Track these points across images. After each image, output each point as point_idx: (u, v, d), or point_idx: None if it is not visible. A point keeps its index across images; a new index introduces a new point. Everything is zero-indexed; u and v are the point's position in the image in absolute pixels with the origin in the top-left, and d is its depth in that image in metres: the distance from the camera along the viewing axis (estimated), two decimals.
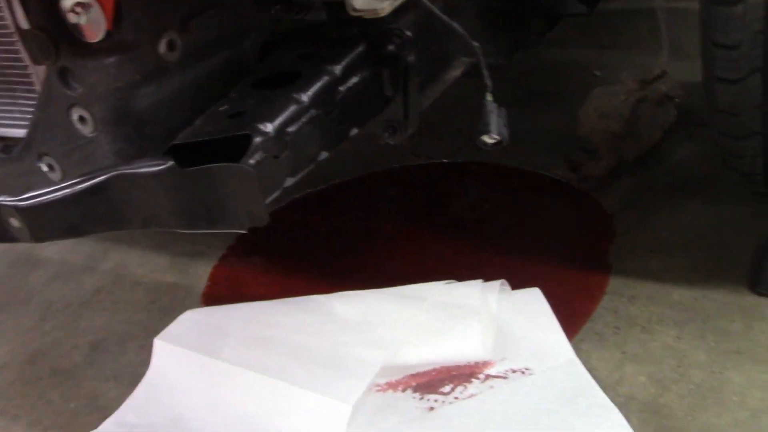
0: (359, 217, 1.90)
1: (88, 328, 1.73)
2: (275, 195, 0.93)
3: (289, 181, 0.96)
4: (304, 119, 0.95)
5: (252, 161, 0.87)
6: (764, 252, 1.40)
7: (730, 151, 1.31)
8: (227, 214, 0.89)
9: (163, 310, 1.73)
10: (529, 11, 1.50)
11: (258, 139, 0.89)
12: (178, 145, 0.91)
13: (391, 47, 1.05)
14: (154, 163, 0.88)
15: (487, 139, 1.03)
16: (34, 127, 0.99)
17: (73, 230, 0.94)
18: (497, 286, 1.47)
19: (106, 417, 1.44)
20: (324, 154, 1.02)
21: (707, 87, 1.25)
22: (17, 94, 1.05)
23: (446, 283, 1.49)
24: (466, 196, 1.89)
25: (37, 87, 1.01)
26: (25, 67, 1.01)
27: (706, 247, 1.54)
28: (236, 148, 0.89)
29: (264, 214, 0.88)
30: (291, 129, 0.93)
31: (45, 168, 1.02)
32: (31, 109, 1.04)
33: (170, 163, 0.86)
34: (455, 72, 1.19)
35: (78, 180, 0.90)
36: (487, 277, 1.52)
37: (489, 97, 1.03)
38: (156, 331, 1.58)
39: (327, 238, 1.84)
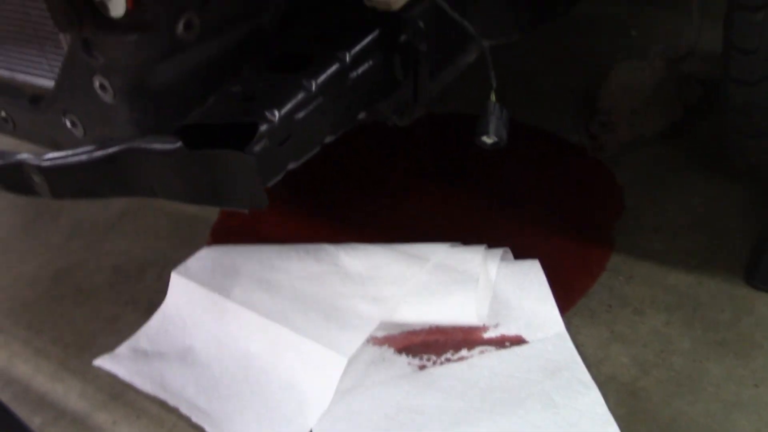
0: (376, 163, 1.93)
1: (111, 250, 1.82)
2: (278, 178, 0.98)
3: (293, 165, 1.01)
4: (311, 107, 0.98)
5: (256, 148, 0.91)
6: (763, 246, 1.42)
7: (741, 148, 1.32)
8: (230, 195, 0.94)
9: (183, 240, 1.81)
10: None
11: (264, 127, 0.93)
12: (189, 124, 0.96)
13: (403, 37, 1.07)
14: (165, 140, 0.93)
15: (486, 140, 1.06)
16: (59, 86, 1.05)
17: (88, 192, 1.00)
18: (500, 253, 1.52)
19: (122, 340, 1.55)
20: (330, 138, 1.06)
21: (724, 84, 1.26)
22: (46, 48, 1.10)
23: (451, 245, 1.54)
24: (482, 151, 1.90)
25: (64, 44, 1.06)
26: (54, 25, 1.05)
27: (709, 230, 1.56)
28: (244, 130, 0.94)
29: (264, 198, 0.93)
30: (297, 116, 0.97)
31: (68, 124, 1.08)
32: (58, 64, 1.09)
33: (179, 144, 0.91)
34: (469, 57, 1.20)
35: (94, 148, 0.96)
36: (492, 239, 1.57)
37: (492, 97, 1.06)
38: (174, 261, 1.67)
39: (342, 183, 1.89)
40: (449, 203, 1.76)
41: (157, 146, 0.93)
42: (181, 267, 1.61)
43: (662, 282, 1.48)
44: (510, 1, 1.36)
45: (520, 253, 1.55)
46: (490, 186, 1.79)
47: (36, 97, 1.12)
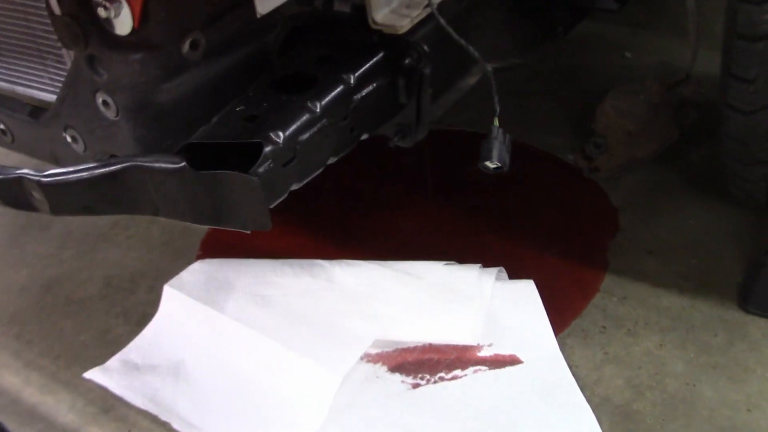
0: (370, 179, 1.93)
1: (103, 260, 1.81)
2: (281, 199, 0.98)
3: (296, 186, 1.01)
4: (315, 128, 0.99)
5: (260, 170, 0.91)
6: (756, 270, 1.43)
7: (737, 175, 1.33)
8: (233, 216, 0.94)
9: (175, 253, 1.80)
10: (557, 4, 1.50)
11: (268, 148, 0.93)
12: (194, 143, 0.96)
13: (408, 60, 1.08)
14: (169, 160, 0.92)
15: (489, 164, 1.06)
16: (61, 102, 1.04)
17: (88, 209, 1.00)
18: (494, 272, 1.52)
19: (113, 352, 1.53)
20: (333, 159, 1.06)
21: (721, 112, 1.27)
22: (47, 62, 1.09)
23: (446, 264, 1.54)
24: (479, 171, 1.91)
25: (67, 60, 1.05)
26: (57, 40, 1.05)
27: (702, 253, 1.57)
28: (248, 151, 0.94)
29: (267, 220, 0.93)
30: (302, 138, 0.97)
31: (69, 139, 1.07)
32: (60, 78, 1.09)
33: (183, 163, 0.91)
34: (471, 80, 1.21)
35: (97, 164, 0.95)
36: (487, 258, 1.57)
37: (496, 122, 1.06)
38: (166, 273, 1.66)
39: (334, 198, 1.88)
40: (444, 221, 1.76)
41: (161, 165, 0.92)
42: (175, 280, 1.60)
43: (656, 304, 1.49)
44: (510, 25, 1.37)
45: (514, 273, 1.55)
46: (485, 204, 1.79)
47: (36, 111, 1.11)
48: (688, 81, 1.70)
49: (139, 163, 0.93)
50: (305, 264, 1.60)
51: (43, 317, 1.67)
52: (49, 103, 1.11)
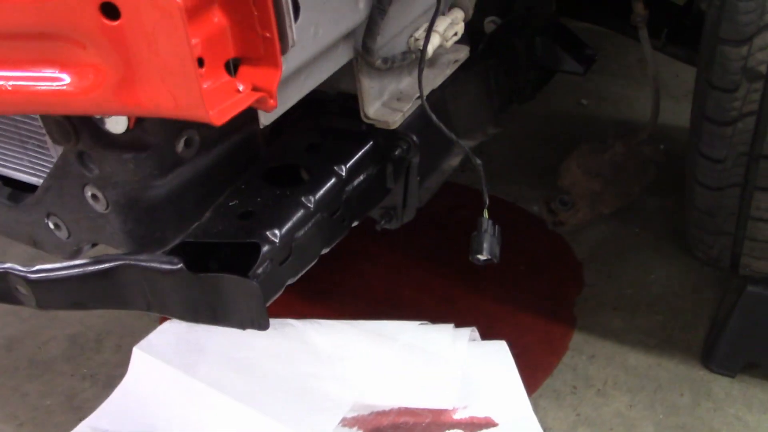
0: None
1: (65, 319, 1.76)
2: (277, 296, 0.98)
3: (291, 281, 1.01)
4: (310, 224, 0.99)
5: (259, 271, 0.91)
6: (719, 330, 1.49)
7: (703, 242, 1.38)
8: (229, 315, 0.94)
9: None
10: (525, 67, 1.54)
11: (266, 249, 0.93)
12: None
13: (398, 151, 1.09)
14: (165, 260, 0.91)
15: (480, 257, 1.09)
16: (45, 191, 1.02)
17: (77, 305, 0.98)
18: (467, 333, 1.54)
19: (80, 418, 1.50)
20: (326, 250, 1.06)
21: (689, 186, 1.32)
22: (28, 146, 1.07)
23: (419, 324, 1.55)
24: (445, 221, 1.93)
25: (50, 147, 1.03)
26: (39, 126, 1.03)
27: (666, 310, 1.63)
28: (244, 248, 0.93)
29: (266, 320, 0.93)
30: (297, 235, 0.98)
31: (51, 226, 1.05)
32: (41, 162, 1.07)
33: (180, 265, 0.90)
34: (454, 161, 1.23)
35: (88, 262, 0.94)
36: (458, 315, 1.60)
37: (485, 215, 1.09)
38: (132, 331, 1.64)
39: None
40: (413, 275, 1.78)
41: (157, 266, 0.91)
42: (144, 342, 1.57)
43: (623, 362, 1.53)
44: (483, 95, 1.40)
45: (484, 329, 1.57)
46: (456, 258, 1.81)
47: (15, 195, 1.09)
48: (649, 141, 1.76)
49: (133, 263, 0.92)
50: (277, 324, 1.59)
51: (6, 380, 1.63)
52: (27, 186, 1.09)
